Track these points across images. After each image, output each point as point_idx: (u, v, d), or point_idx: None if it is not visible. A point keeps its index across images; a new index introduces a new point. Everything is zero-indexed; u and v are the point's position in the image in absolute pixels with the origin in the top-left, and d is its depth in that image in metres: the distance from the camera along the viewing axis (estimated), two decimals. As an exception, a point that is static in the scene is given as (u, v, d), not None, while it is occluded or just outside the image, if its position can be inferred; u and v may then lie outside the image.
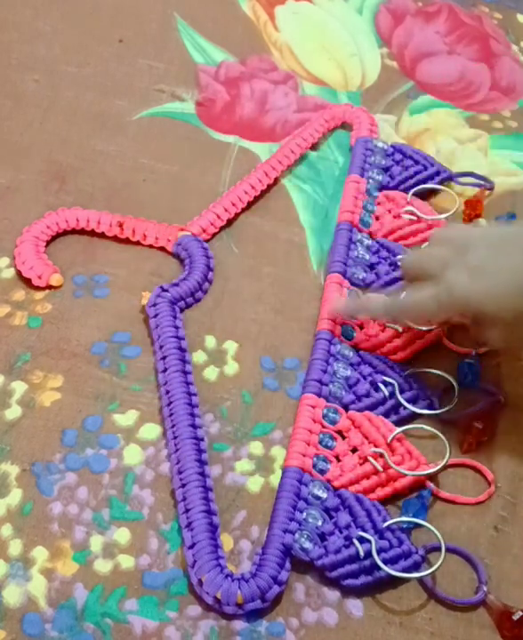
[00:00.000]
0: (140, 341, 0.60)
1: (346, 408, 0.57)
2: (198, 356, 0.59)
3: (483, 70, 0.83)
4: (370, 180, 0.71)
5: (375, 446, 0.54)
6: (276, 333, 0.61)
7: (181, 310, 0.61)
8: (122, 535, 0.51)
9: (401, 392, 0.57)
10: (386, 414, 0.57)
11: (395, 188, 0.71)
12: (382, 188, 0.71)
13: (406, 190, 0.70)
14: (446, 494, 0.54)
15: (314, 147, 0.74)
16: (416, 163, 0.72)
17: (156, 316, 0.60)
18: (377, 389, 0.57)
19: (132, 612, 0.48)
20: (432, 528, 0.51)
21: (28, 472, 0.53)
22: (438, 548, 0.51)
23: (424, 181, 0.71)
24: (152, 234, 0.65)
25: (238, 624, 0.48)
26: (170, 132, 0.74)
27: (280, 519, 0.50)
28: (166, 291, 0.61)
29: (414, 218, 0.68)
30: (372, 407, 0.57)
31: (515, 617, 0.49)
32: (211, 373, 0.59)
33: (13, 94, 0.74)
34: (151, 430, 0.55)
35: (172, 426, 0.54)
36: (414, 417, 0.57)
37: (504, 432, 0.58)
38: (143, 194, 0.69)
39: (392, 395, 0.57)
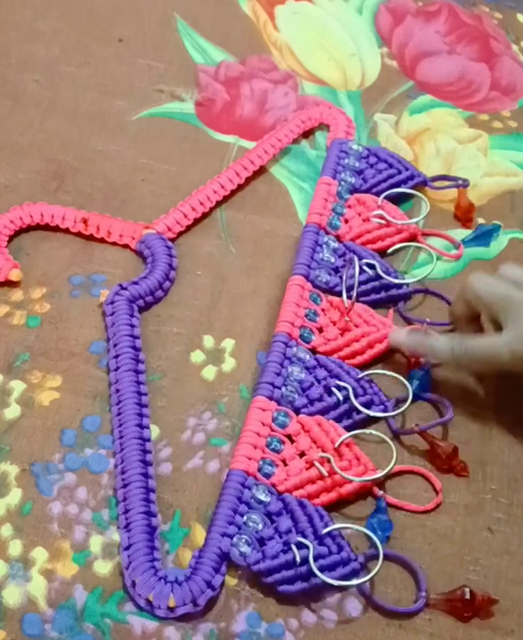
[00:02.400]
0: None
1: (298, 412, 0.56)
2: (196, 356, 0.59)
3: (483, 70, 0.83)
4: (342, 183, 0.70)
5: (323, 451, 0.54)
6: (271, 328, 0.61)
7: (140, 309, 0.61)
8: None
9: (355, 397, 0.57)
10: (338, 419, 0.56)
11: (367, 191, 0.70)
12: (354, 190, 0.70)
13: (378, 194, 0.70)
14: (394, 500, 0.54)
15: (312, 145, 0.75)
16: (390, 166, 0.72)
17: (112, 314, 0.60)
18: (330, 394, 0.57)
19: (132, 612, 0.48)
20: (372, 534, 0.51)
21: (28, 472, 0.53)
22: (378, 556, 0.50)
23: (397, 185, 0.70)
24: (116, 231, 0.65)
25: (238, 625, 0.48)
26: (169, 132, 0.74)
27: (219, 523, 0.50)
28: (125, 289, 0.60)
29: (384, 222, 0.67)
30: (323, 411, 0.56)
31: (466, 596, 0.49)
32: (209, 373, 0.59)
33: (13, 94, 0.74)
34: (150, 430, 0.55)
35: (119, 425, 0.54)
36: (367, 423, 0.57)
37: (498, 435, 0.58)
38: (142, 194, 0.69)
39: (346, 399, 0.57)
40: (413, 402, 0.57)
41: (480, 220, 0.70)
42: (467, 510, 0.54)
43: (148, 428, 0.54)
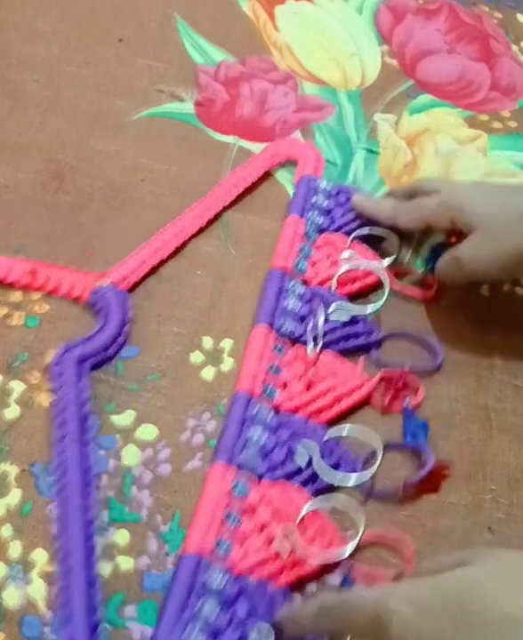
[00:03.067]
0: (139, 342, 0.60)
1: (260, 478, 0.52)
2: (195, 357, 0.59)
3: (483, 70, 0.83)
4: (310, 222, 0.67)
5: (286, 522, 0.50)
6: (270, 329, 0.61)
7: (90, 369, 0.57)
8: (121, 537, 0.51)
9: (321, 459, 0.53)
10: (304, 484, 0.53)
11: (336, 231, 0.67)
12: (322, 230, 0.67)
13: (347, 233, 0.66)
14: (366, 569, 0.51)
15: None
16: None
17: (59, 376, 0.56)
18: (294, 457, 0.53)
19: (132, 618, 0.48)
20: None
21: (28, 472, 0.53)
22: None
23: (367, 225, 0.67)
24: (67, 283, 0.61)
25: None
26: (169, 132, 0.74)
27: (168, 621, 0.46)
28: (73, 348, 0.57)
29: (353, 264, 0.64)
30: (288, 477, 0.53)
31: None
32: (208, 373, 0.59)
33: (13, 94, 0.74)
34: (149, 431, 0.55)
35: (63, 503, 0.50)
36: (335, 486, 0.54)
37: (498, 435, 0.58)
38: (142, 194, 0.69)
39: (310, 463, 0.53)
40: (385, 458, 0.55)
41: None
42: (467, 510, 0.54)
43: (90, 509, 0.50)
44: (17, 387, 0.56)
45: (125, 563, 0.50)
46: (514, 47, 0.86)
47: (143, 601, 0.49)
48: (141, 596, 0.49)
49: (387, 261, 0.65)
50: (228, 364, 0.59)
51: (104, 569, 0.49)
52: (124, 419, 0.56)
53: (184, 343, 0.60)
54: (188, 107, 0.76)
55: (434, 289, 0.65)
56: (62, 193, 0.68)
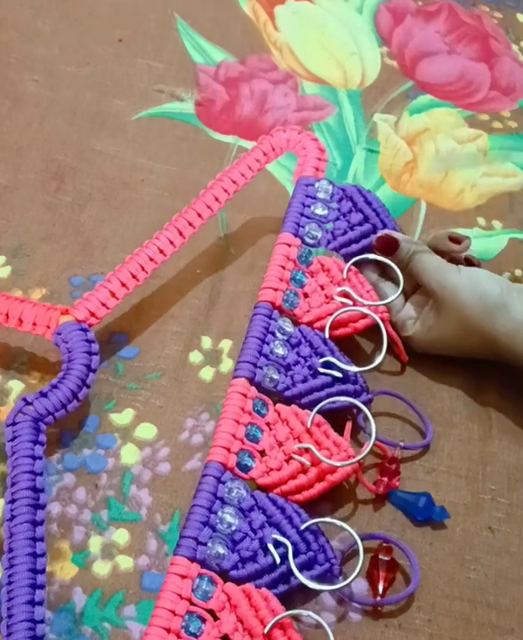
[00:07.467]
0: (139, 342, 0.60)
1: (226, 575, 0.46)
2: (194, 357, 0.59)
3: (483, 70, 0.83)
4: (305, 238, 0.59)
5: (251, 635, 0.44)
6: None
7: (48, 426, 0.51)
8: (121, 536, 0.51)
9: (295, 555, 0.47)
10: (273, 584, 0.46)
11: (336, 249, 0.59)
12: (319, 245, 0.59)
13: (346, 256, 0.59)
14: None
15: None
16: (366, 219, 0.60)
17: (13, 439, 0.49)
18: (266, 551, 0.47)
19: (131, 618, 0.48)
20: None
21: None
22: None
23: (370, 248, 0.60)
24: (28, 318, 0.54)
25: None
26: (169, 132, 0.74)
27: None
28: (30, 404, 0.50)
29: (349, 302, 0.57)
30: (256, 575, 0.46)
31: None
32: (206, 373, 0.59)
33: (12, 94, 0.74)
34: (147, 430, 0.55)
35: (9, 583, 0.45)
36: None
37: (498, 435, 0.58)
38: (142, 194, 0.69)
39: (283, 558, 0.46)
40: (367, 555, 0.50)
41: (480, 220, 0.70)
42: (467, 510, 0.54)
43: (41, 604, 0.45)
44: (16, 387, 0.56)
45: (125, 562, 0.50)
46: (514, 47, 0.86)
47: (143, 601, 0.49)
48: (141, 595, 0.49)
49: (386, 301, 0.58)
50: (227, 364, 0.59)
51: (103, 569, 0.49)
52: (123, 417, 0.56)
53: (183, 342, 0.60)
54: (188, 107, 0.76)
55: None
56: (62, 193, 0.68)
